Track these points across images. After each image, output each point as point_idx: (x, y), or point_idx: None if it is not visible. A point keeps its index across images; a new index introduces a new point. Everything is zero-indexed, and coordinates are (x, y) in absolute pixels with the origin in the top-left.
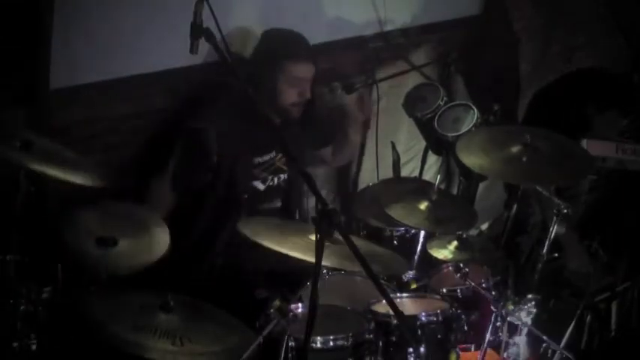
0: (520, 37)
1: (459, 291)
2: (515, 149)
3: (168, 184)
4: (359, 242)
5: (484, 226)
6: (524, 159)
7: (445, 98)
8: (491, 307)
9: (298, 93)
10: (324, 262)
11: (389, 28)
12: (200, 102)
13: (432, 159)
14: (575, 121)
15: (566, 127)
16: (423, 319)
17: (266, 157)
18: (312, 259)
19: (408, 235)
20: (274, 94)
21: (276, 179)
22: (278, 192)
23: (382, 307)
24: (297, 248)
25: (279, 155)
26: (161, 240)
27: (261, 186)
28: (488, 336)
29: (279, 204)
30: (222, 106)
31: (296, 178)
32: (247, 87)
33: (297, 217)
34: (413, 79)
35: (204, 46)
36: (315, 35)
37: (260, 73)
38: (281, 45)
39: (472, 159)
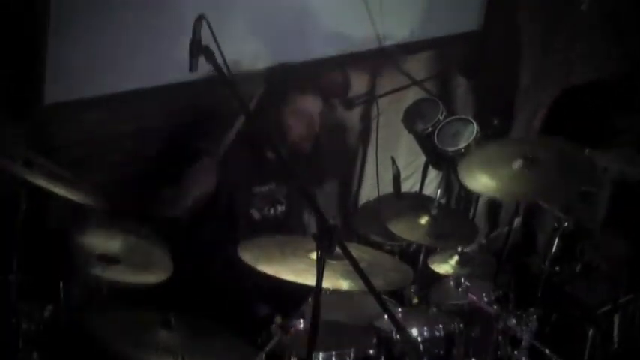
0: (519, 51)
1: (460, 305)
2: (516, 165)
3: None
4: (362, 252)
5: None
6: (527, 172)
7: (444, 113)
8: (493, 322)
9: (306, 126)
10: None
11: (388, 43)
12: (204, 126)
13: (433, 174)
14: (599, 129)
15: (590, 136)
16: (425, 334)
17: (264, 188)
18: (312, 282)
19: (409, 250)
20: (283, 130)
21: (272, 210)
22: (274, 223)
23: (384, 322)
24: (298, 271)
25: (280, 187)
26: (163, 263)
27: (256, 215)
28: (490, 351)
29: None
30: (225, 133)
31: (294, 212)
32: (249, 112)
33: None
34: (413, 95)
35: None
36: (314, 51)
37: (267, 110)
38: (285, 79)
39: (476, 182)
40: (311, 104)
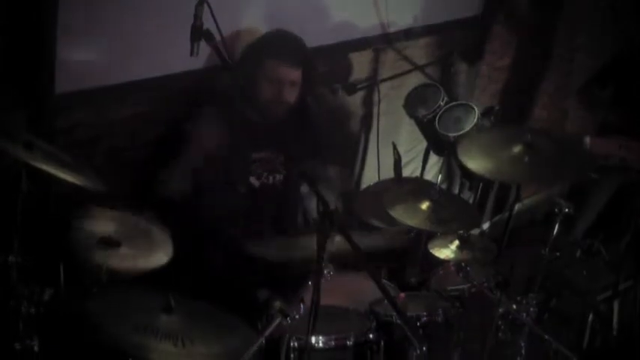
0: (521, 39)
1: (460, 290)
2: (516, 149)
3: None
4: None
5: (485, 226)
6: (526, 159)
7: (446, 98)
8: (493, 307)
9: (275, 92)
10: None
11: (392, 29)
12: (197, 98)
13: (433, 159)
14: None
15: None
16: (425, 318)
17: (262, 154)
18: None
19: (409, 235)
20: (252, 89)
21: (271, 178)
22: (273, 191)
23: (384, 306)
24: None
25: (277, 154)
26: (163, 248)
27: (256, 182)
28: (490, 336)
29: (273, 205)
30: (220, 102)
31: (293, 181)
32: (240, 87)
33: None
34: (414, 80)
35: (204, 51)
36: (319, 38)
37: (243, 69)
38: (267, 43)
39: (474, 162)
40: (283, 73)
